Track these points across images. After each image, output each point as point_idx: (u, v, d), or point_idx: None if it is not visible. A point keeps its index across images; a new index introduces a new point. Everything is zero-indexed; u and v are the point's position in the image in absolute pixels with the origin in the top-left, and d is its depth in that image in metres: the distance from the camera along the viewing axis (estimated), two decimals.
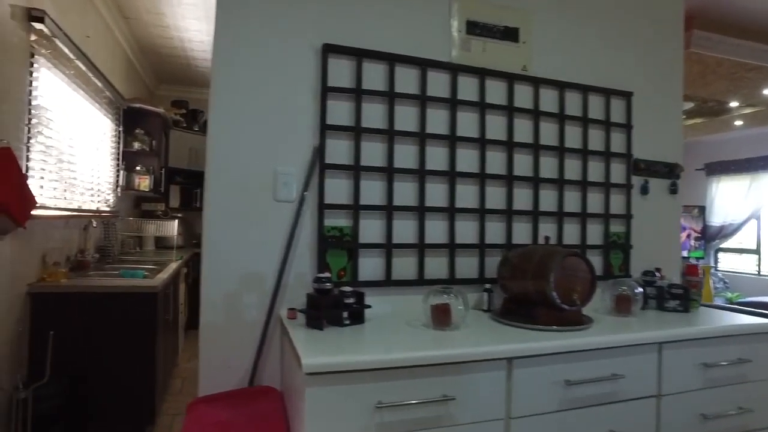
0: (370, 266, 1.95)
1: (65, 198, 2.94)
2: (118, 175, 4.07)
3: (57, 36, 2.56)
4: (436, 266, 2.05)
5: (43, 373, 2.33)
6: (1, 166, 1.99)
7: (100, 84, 3.38)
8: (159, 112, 4.45)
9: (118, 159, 4.08)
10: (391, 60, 1.98)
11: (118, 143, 4.10)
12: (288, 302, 1.84)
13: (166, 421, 3.04)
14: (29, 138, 2.39)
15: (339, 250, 1.91)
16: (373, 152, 1.96)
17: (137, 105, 4.23)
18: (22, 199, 2.11)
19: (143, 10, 3.74)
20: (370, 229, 1.95)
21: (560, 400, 1.54)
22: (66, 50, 2.71)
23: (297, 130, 1.88)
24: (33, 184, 2.42)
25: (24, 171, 2.34)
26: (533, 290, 1.78)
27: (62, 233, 2.97)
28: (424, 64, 2.03)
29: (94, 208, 3.50)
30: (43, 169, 2.59)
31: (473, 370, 1.46)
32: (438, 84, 2.06)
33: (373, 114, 1.96)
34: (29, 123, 2.39)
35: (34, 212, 2.27)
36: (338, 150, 1.91)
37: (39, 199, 2.40)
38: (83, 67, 3.01)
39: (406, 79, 2.02)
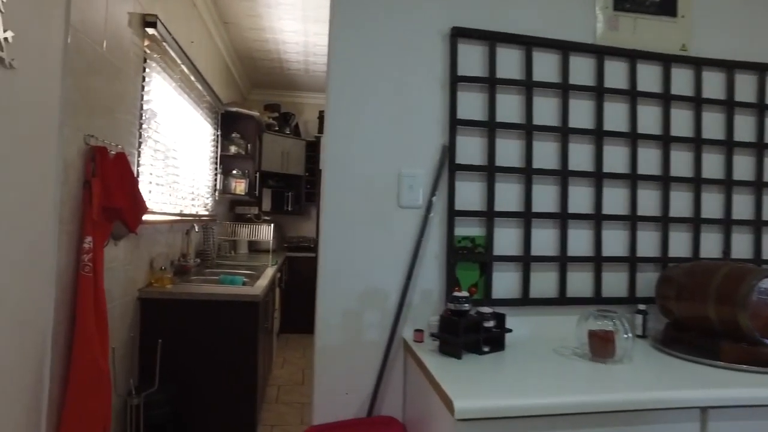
0: (504, 282, 1.70)
1: (170, 202, 2.94)
2: (215, 179, 4.11)
3: (166, 40, 2.54)
4: (579, 283, 1.75)
5: (152, 379, 2.30)
6: (117, 172, 1.95)
7: (201, 88, 3.39)
8: (254, 116, 4.46)
9: (216, 163, 4.11)
10: (528, 44, 1.71)
11: (216, 147, 4.13)
12: (412, 322, 1.63)
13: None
14: (140, 143, 2.37)
15: (470, 263, 1.67)
16: (508, 150, 1.70)
17: (234, 109, 4.25)
18: (135, 205, 2.07)
19: (242, 14, 3.73)
20: (505, 240, 1.70)
21: None
22: (174, 55, 2.70)
23: (423, 127, 1.66)
24: (142, 189, 2.40)
25: (136, 175, 2.32)
26: (716, 318, 1.44)
27: (167, 238, 2.97)
28: (564, 48, 1.74)
29: (194, 213, 3.52)
30: (151, 174, 2.57)
31: (657, 420, 1.17)
32: (581, 70, 1.77)
33: (508, 106, 1.71)
34: (140, 128, 2.37)
35: (144, 217, 2.24)
36: (469, 148, 1.68)
37: (148, 204, 2.37)
38: (188, 72, 3.01)
39: (545, 66, 1.74)
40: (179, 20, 3.00)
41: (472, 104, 1.68)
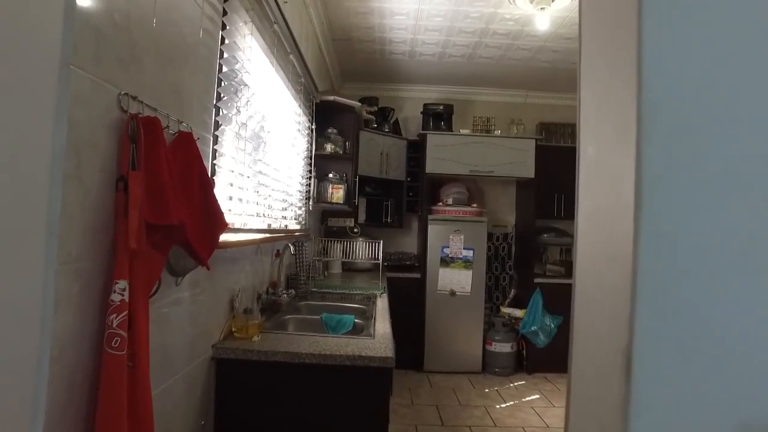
0: None
1: (257, 214, 2.13)
2: (309, 184, 3.30)
3: None
4: None
5: None
6: (179, 164, 1.14)
7: (297, 65, 2.59)
8: (354, 107, 3.63)
9: (310, 164, 3.30)
10: None
11: (311, 144, 3.33)
12: None
13: None
14: (217, 123, 1.56)
15: None
16: None
17: (331, 98, 3.43)
18: (208, 220, 1.25)
19: None
20: None
21: None
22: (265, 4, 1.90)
23: None
24: (218, 194, 1.58)
25: (210, 175, 1.51)
26: None
27: (252, 263, 2.17)
28: None
29: (284, 227, 2.70)
30: (233, 171, 1.76)
31: None
32: None
33: None
34: (219, 99, 1.56)
35: (222, 237, 1.42)
36: None
37: (227, 217, 1.56)
38: (281, 37, 2.21)
39: None
40: None
41: None
